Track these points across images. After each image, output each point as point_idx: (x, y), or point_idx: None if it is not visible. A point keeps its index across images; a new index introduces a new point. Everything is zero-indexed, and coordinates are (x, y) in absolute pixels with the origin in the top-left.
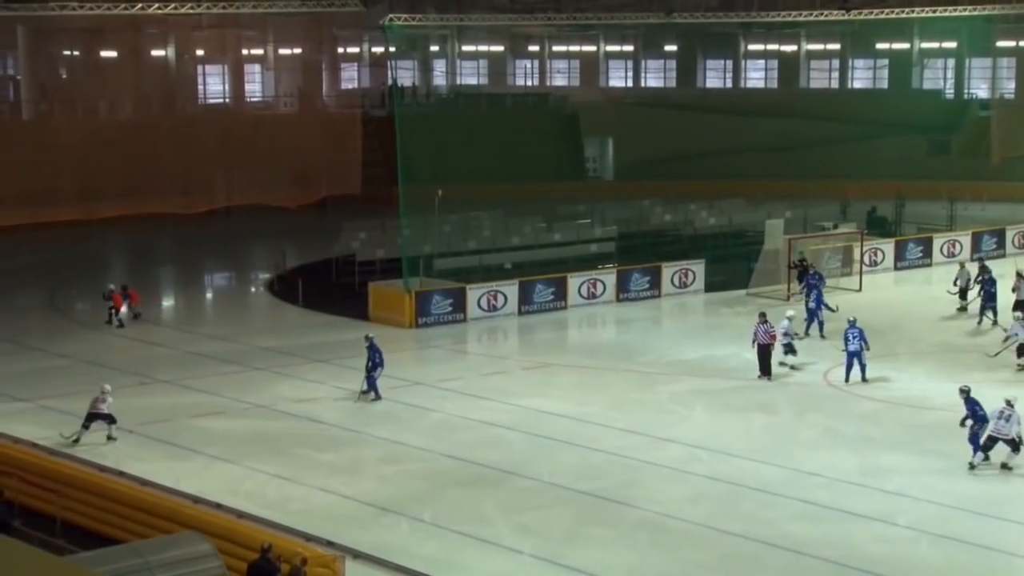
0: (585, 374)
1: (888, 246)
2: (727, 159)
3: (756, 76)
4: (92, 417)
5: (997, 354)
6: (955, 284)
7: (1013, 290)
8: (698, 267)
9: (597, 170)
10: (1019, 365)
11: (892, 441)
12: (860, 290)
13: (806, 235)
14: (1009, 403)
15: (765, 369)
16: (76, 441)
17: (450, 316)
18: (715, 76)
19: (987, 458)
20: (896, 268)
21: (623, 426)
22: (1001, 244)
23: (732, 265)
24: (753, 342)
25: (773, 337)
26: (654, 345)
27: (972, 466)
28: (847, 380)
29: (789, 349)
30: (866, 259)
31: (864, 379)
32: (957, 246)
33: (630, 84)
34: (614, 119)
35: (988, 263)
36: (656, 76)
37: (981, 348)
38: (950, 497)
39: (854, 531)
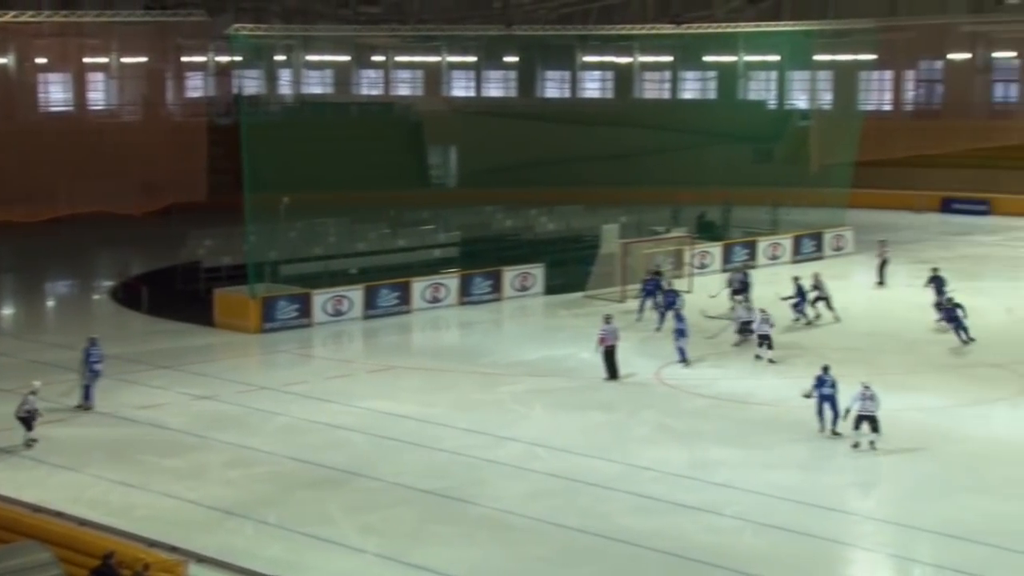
0: (429, 376)
1: (716, 249)
2: (566, 167)
3: (593, 87)
4: (28, 418)
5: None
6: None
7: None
8: (538, 271)
9: (441, 178)
10: (757, 355)
11: (720, 436)
12: (690, 291)
13: (640, 239)
14: (866, 385)
15: (612, 371)
16: (32, 443)
17: (296, 321)
18: (554, 86)
19: (857, 443)
20: (724, 270)
21: (466, 426)
22: (819, 247)
23: (570, 269)
24: (599, 344)
25: (616, 338)
26: (496, 347)
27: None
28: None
29: (765, 341)
30: (696, 261)
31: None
32: (779, 249)
33: (472, 93)
34: (457, 128)
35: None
36: (497, 86)
37: (804, 346)
38: (773, 488)
39: (685, 522)
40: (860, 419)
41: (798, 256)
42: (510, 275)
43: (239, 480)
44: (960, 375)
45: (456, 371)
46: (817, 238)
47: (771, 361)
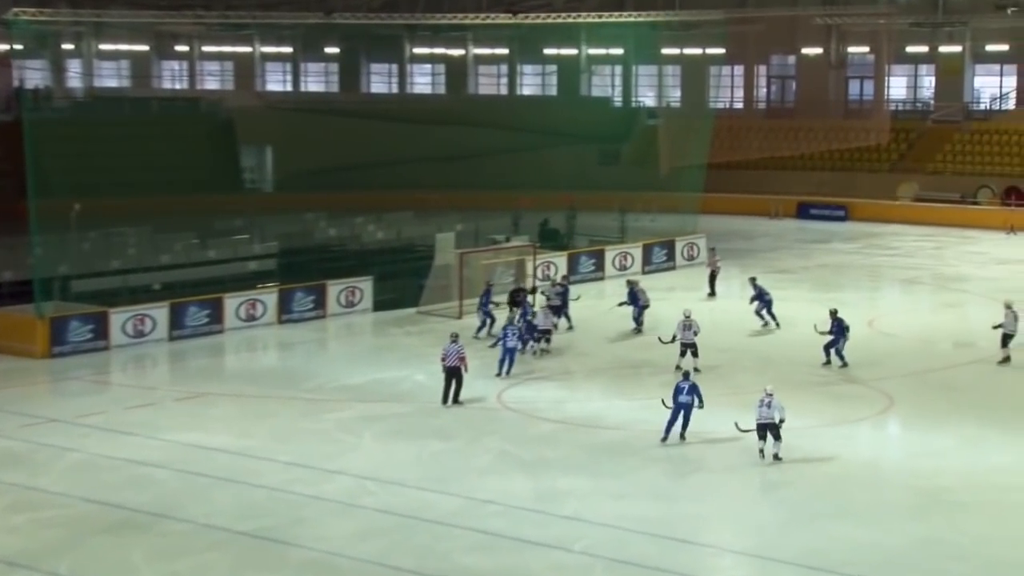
0: (245, 404)
1: (561, 259)
2: (395, 169)
3: (423, 81)
4: None
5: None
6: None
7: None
8: (366, 284)
9: (255, 181)
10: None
11: (568, 464)
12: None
13: (478, 249)
14: (768, 392)
15: (455, 394)
16: None
17: (91, 344)
18: (380, 81)
19: (762, 450)
20: (570, 281)
21: (287, 459)
22: (671, 256)
23: (402, 282)
24: (443, 363)
25: (463, 359)
26: (320, 369)
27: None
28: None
29: (689, 349)
30: (539, 273)
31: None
32: (629, 258)
33: (289, 88)
34: (273, 126)
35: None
36: (317, 80)
37: (656, 363)
38: (625, 519)
39: (531, 560)
40: (761, 428)
41: (649, 266)
42: (335, 290)
43: (25, 526)
44: (822, 394)
45: (275, 397)
46: (669, 247)
47: (696, 370)
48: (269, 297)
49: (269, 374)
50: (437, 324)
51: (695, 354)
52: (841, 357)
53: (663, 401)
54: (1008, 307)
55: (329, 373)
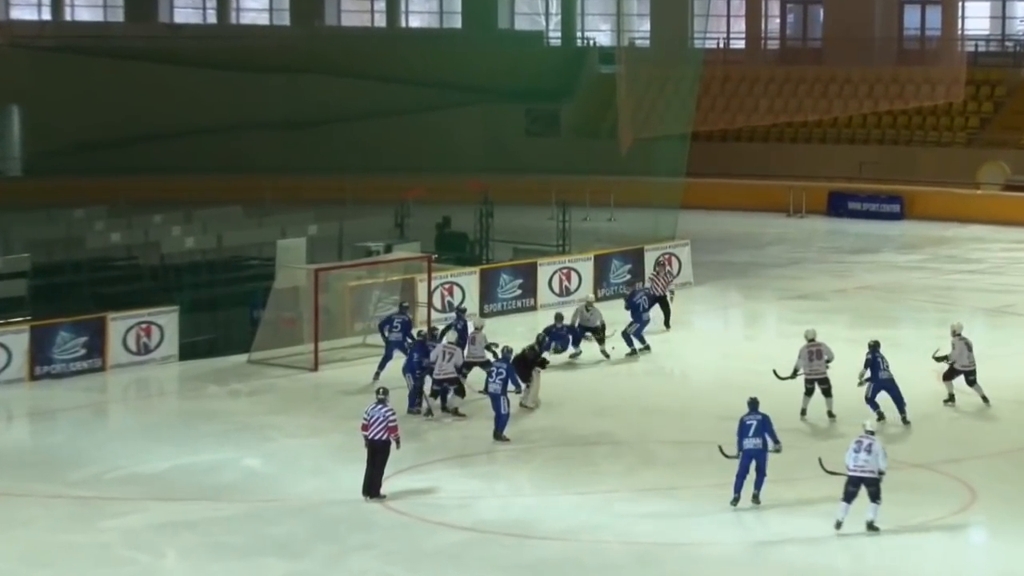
0: None
1: (471, 278)
2: (211, 142)
3: (256, 6)
4: None
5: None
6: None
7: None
8: (168, 319)
9: None
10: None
11: None
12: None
13: (344, 264)
14: (868, 430)
15: (372, 482)
16: None
17: None
18: (188, 6)
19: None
20: (485, 312)
21: None
22: (637, 272)
23: (224, 315)
24: (364, 435)
25: (393, 429)
26: (97, 451)
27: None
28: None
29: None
30: (437, 299)
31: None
32: (574, 277)
33: (47, 16)
34: (20, 74)
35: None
36: (92, 5)
37: (612, 437)
38: None
39: None
40: (855, 483)
41: (604, 288)
42: (119, 328)
43: None
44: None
45: (26, 496)
46: (634, 259)
47: (830, 415)
48: (16, 339)
49: (15, 459)
50: (280, 379)
51: (828, 392)
52: (874, 405)
53: (721, 449)
54: (956, 334)
55: (111, 456)
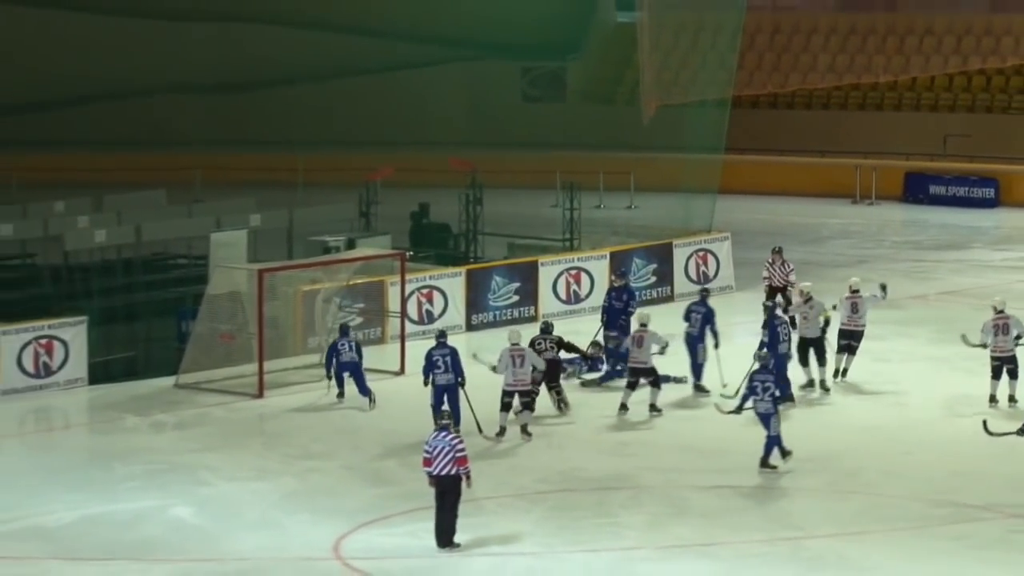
0: None
1: (454, 281)
2: (123, 110)
3: None
4: None
5: None
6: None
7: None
8: (73, 333)
9: None
10: None
11: None
12: (402, 371)
13: (295, 263)
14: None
15: (446, 528)
16: None
17: None
18: None
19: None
20: (473, 324)
21: None
22: (665, 275)
23: (146, 328)
24: (428, 472)
25: (463, 460)
26: None
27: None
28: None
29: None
30: (414, 309)
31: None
32: (584, 280)
33: None
34: None
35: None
36: None
37: (633, 480)
38: None
39: None
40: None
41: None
42: (12, 344)
43: None
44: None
45: None
46: (661, 259)
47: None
48: None
49: None
50: (216, 408)
51: (1014, 374)
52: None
53: (985, 425)
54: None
55: (4, 506)
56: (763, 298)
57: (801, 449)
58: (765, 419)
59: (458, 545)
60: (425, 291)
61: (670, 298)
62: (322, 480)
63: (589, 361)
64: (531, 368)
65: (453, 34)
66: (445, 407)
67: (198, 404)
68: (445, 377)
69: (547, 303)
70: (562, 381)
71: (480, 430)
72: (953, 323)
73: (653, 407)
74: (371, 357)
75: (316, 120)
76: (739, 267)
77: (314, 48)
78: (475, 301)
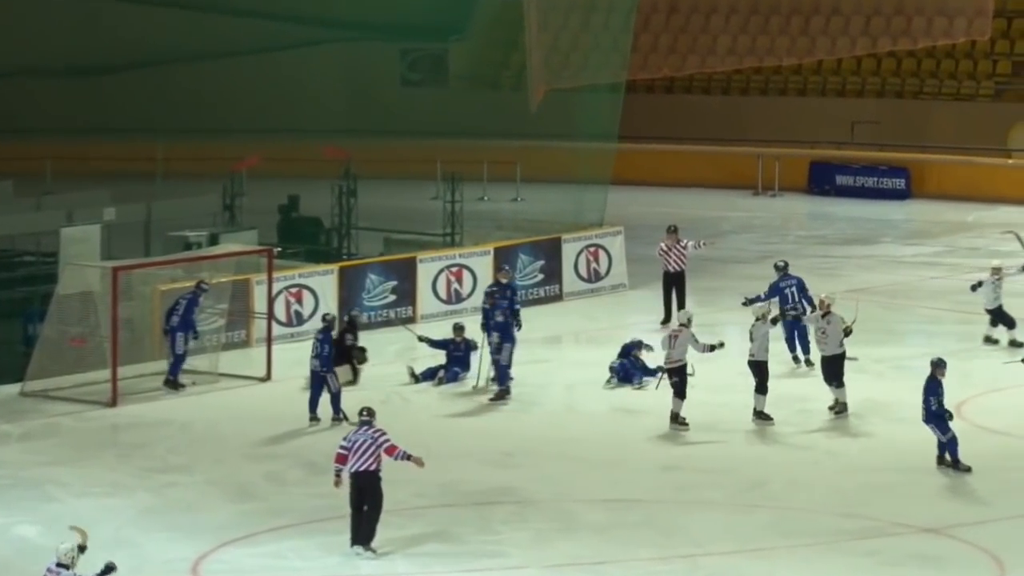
0: None
1: (326, 280)
2: None
3: None
4: None
5: None
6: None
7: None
8: None
9: None
10: None
11: None
12: (268, 377)
13: (153, 260)
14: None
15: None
16: None
17: None
18: None
19: None
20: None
21: None
22: (553, 271)
23: None
24: (339, 468)
25: (392, 450)
26: None
27: None
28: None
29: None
30: (281, 310)
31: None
32: (467, 277)
33: None
34: None
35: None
36: None
37: (517, 494)
38: None
39: None
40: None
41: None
42: None
43: None
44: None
45: None
46: (549, 255)
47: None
48: None
49: None
50: (65, 418)
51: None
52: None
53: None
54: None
55: None
56: (660, 295)
57: (700, 459)
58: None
59: (374, 551)
60: (294, 290)
61: (558, 297)
62: (181, 495)
63: (449, 368)
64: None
65: (326, 13)
66: (366, 406)
67: (46, 413)
68: None
69: (426, 303)
70: (431, 386)
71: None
72: (861, 323)
73: (676, 418)
74: (235, 362)
75: (178, 106)
76: (633, 264)
77: (178, 28)
78: (348, 301)
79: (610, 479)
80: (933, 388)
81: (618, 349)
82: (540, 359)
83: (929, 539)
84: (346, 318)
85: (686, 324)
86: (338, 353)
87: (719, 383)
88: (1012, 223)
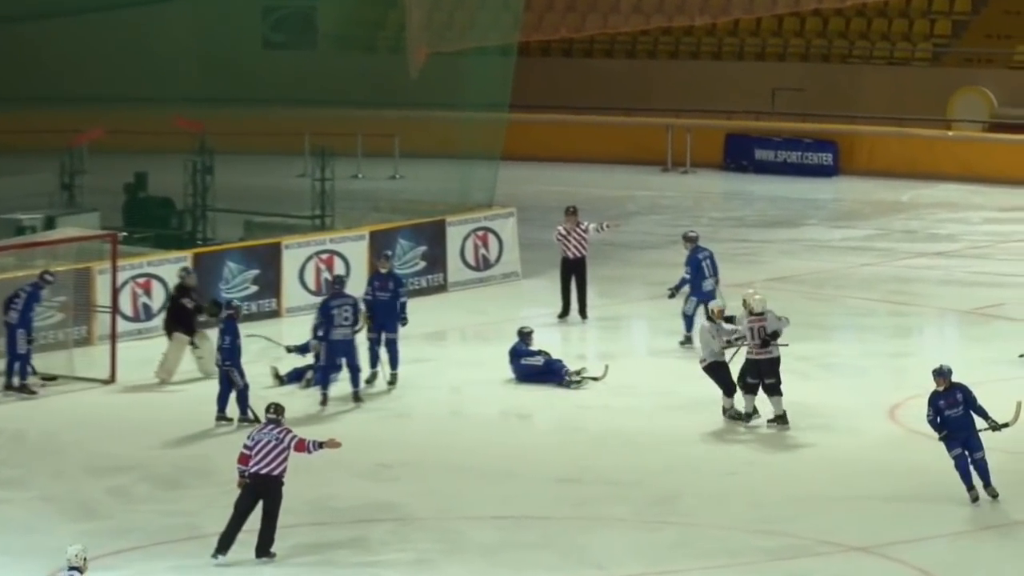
0: None
1: (178, 268)
2: None
3: None
4: None
5: None
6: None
7: None
8: None
9: None
10: None
11: None
12: (113, 379)
13: None
14: None
15: (264, 539)
16: None
17: None
18: None
19: None
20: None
21: None
22: (437, 260)
23: None
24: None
25: (300, 445)
26: None
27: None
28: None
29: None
30: (127, 303)
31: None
32: (339, 264)
33: None
34: None
35: None
36: None
37: (398, 510)
38: None
39: None
40: None
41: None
42: None
43: None
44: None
45: None
46: (432, 240)
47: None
48: None
49: None
50: None
51: None
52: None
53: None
54: None
55: None
56: (558, 285)
57: (602, 471)
58: None
59: (274, 555)
60: (142, 280)
61: (442, 288)
62: (14, 513)
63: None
64: None
65: None
66: (274, 402)
67: None
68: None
69: (292, 294)
70: (298, 388)
71: None
72: (785, 315)
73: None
74: (75, 362)
75: (7, 71)
76: (527, 250)
77: None
78: (205, 291)
79: (501, 493)
80: (930, 400)
81: (510, 344)
82: (422, 358)
83: (859, 558)
84: (175, 284)
85: (711, 317)
86: (178, 319)
87: (623, 384)
88: (952, 202)
